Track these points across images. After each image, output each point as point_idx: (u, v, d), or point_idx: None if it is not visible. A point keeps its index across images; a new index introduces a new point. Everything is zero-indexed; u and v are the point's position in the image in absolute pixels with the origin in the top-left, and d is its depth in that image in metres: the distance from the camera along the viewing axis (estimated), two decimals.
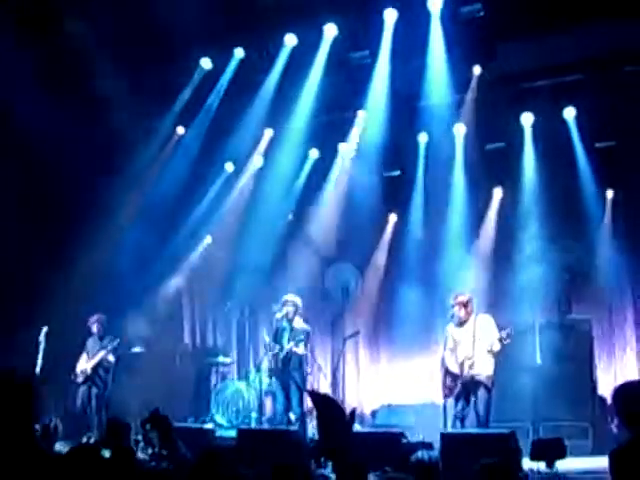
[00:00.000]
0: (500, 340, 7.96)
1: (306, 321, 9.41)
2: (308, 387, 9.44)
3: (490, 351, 8.03)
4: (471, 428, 7.94)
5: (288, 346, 8.96)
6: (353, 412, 3.47)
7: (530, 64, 10.13)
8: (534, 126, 10.50)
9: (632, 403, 3.97)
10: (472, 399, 8.08)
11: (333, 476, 6.77)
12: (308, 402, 9.43)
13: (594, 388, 9.79)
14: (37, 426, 8.10)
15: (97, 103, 10.37)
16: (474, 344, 8.00)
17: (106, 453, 4.92)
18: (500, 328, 8.22)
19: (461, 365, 8.07)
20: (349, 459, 3.47)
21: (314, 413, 9.84)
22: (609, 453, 3.73)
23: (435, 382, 9.05)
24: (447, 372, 8.18)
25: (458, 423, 8.05)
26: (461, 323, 8.23)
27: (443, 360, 8.24)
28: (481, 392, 7.98)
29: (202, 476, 4.14)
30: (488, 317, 8.27)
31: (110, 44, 10.05)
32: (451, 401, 8.28)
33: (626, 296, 10.41)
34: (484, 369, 8.02)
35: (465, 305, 8.18)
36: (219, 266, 11.93)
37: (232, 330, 12.57)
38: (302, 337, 9.05)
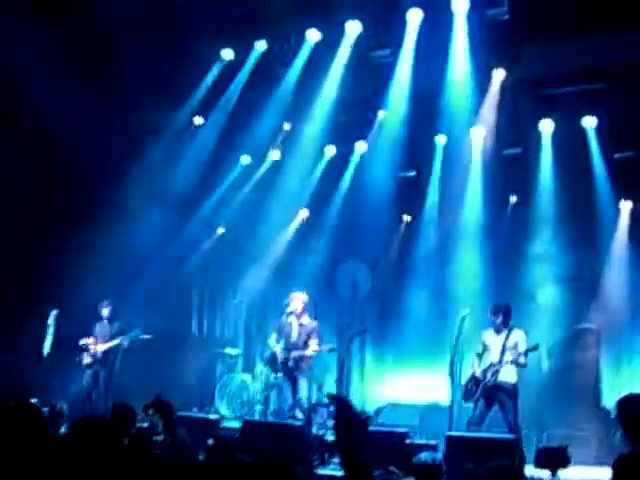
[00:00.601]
0: (526, 353, 8.13)
1: (314, 318, 9.41)
2: (314, 382, 9.46)
3: (516, 363, 8.20)
4: (476, 432, 7.96)
5: (304, 348, 8.97)
6: (368, 418, 3.47)
7: (553, 70, 10.07)
8: (553, 133, 10.47)
9: (636, 415, 3.98)
10: (494, 406, 8.23)
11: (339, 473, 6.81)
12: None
13: (599, 399, 9.77)
14: (45, 409, 8.16)
15: (116, 89, 10.38)
16: (503, 353, 8.20)
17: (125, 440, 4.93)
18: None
19: (485, 371, 8.25)
20: (361, 460, 3.47)
21: (319, 410, 9.90)
22: (612, 463, 3.73)
23: (441, 384, 9.09)
24: (472, 376, 8.37)
25: (473, 428, 8.09)
26: (497, 331, 8.41)
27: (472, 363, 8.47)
28: (506, 401, 8.14)
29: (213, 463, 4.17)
30: (522, 332, 8.41)
31: (132, 30, 10.04)
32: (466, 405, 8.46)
33: (636, 308, 10.37)
34: (508, 377, 8.19)
35: (504, 314, 8.36)
36: (230, 258, 11.96)
37: (240, 322, 12.61)
38: (314, 336, 9.07)
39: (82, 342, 9.94)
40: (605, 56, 9.67)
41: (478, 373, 8.32)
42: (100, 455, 3.96)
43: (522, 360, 8.17)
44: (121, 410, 7.06)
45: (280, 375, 9.41)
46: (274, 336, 9.40)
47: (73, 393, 10.14)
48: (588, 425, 9.27)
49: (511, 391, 8.17)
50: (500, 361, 8.20)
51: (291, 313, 9.22)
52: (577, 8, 9.37)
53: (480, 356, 8.45)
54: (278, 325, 9.42)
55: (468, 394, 8.32)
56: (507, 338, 8.30)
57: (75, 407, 9.29)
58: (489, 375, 8.18)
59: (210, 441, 7.76)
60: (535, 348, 8.21)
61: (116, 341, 9.84)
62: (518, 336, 8.35)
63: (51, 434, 5.93)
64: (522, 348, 8.18)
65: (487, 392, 8.21)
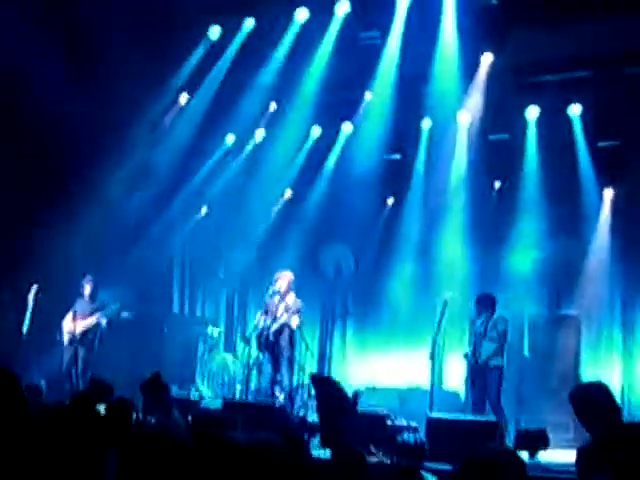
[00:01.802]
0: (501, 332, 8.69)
1: (298, 296, 9.35)
2: (295, 363, 9.42)
3: (490, 338, 8.65)
4: (458, 414, 8.04)
5: (282, 319, 8.94)
6: (356, 395, 3.36)
7: (540, 57, 10.09)
8: (539, 120, 10.51)
9: (588, 408, 4.01)
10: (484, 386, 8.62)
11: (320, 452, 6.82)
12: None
13: (578, 383, 9.86)
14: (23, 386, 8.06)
15: (101, 66, 10.21)
16: (484, 337, 8.67)
17: (101, 408, 4.92)
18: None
19: (474, 356, 8.73)
20: (347, 444, 3.44)
21: (300, 391, 9.89)
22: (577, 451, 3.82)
23: (422, 367, 9.14)
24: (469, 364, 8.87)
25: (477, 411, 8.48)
26: (478, 316, 8.90)
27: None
28: (490, 377, 8.56)
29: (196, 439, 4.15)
30: (503, 317, 8.88)
31: (117, 9, 9.87)
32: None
33: (616, 296, 10.49)
34: (491, 357, 8.63)
35: (486, 304, 8.87)
36: (213, 237, 11.89)
37: (221, 302, 12.57)
38: (296, 309, 9.03)
39: (64, 326, 9.84)
40: (592, 44, 9.70)
41: (471, 360, 8.78)
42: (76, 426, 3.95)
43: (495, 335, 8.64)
44: (98, 384, 7.01)
45: (264, 353, 9.36)
46: (261, 316, 9.30)
47: (52, 371, 10.05)
48: (567, 409, 9.31)
49: (495, 368, 8.57)
50: (483, 345, 8.63)
51: (276, 292, 9.17)
52: None
53: (470, 343, 8.94)
54: (265, 304, 9.36)
55: (469, 383, 8.91)
56: (488, 321, 8.71)
57: (54, 385, 9.23)
58: (479, 360, 8.62)
59: (190, 418, 7.75)
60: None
61: (93, 318, 9.73)
62: (498, 318, 8.79)
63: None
64: (500, 328, 8.67)
65: (477, 376, 8.64)
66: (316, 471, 3.76)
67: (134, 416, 7.47)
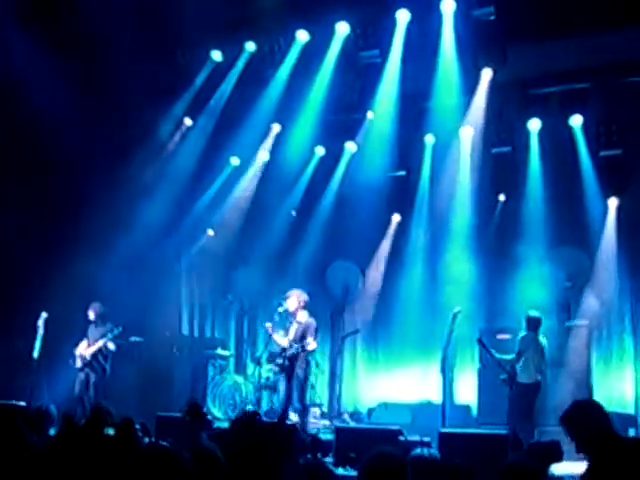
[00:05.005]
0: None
1: (311, 314, 9.30)
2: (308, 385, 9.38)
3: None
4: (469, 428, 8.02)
5: (308, 350, 8.93)
6: (315, 440, 3.01)
7: (539, 70, 10.18)
8: (541, 132, 10.56)
9: (583, 425, 3.96)
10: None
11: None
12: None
13: (590, 394, 9.82)
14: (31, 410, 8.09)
15: (106, 90, 10.36)
16: (521, 356, 8.90)
17: (110, 431, 4.94)
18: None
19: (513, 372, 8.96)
20: None
21: (311, 410, 9.86)
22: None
23: (433, 382, 9.13)
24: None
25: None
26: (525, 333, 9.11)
27: None
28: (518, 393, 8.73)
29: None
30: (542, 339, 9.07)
31: (123, 33, 10.01)
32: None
33: (625, 305, 10.48)
34: (522, 376, 8.87)
35: (529, 323, 9.08)
36: (220, 259, 11.94)
37: (231, 323, 12.59)
38: (311, 332, 8.99)
39: (77, 352, 9.88)
40: (590, 56, 9.79)
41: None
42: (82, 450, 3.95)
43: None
44: (101, 410, 6.98)
45: (274, 374, 9.33)
46: (272, 334, 9.25)
47: (63, 396, 10.07)
48: None
49: (523, 387, 8.78)
50: (518, 362, 8.90)
51: (285, 311, 9.16)
52: (561, 9, 9.47)
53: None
54: (274, 323, 9.31)
55: None
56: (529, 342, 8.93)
57: (65, 410, 9.24)
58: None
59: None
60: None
61: (100, 343, 9.75)
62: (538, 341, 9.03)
63: (36, 438, 5.90)
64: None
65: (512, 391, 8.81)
66: None
67: (146, 440, 7.48)
